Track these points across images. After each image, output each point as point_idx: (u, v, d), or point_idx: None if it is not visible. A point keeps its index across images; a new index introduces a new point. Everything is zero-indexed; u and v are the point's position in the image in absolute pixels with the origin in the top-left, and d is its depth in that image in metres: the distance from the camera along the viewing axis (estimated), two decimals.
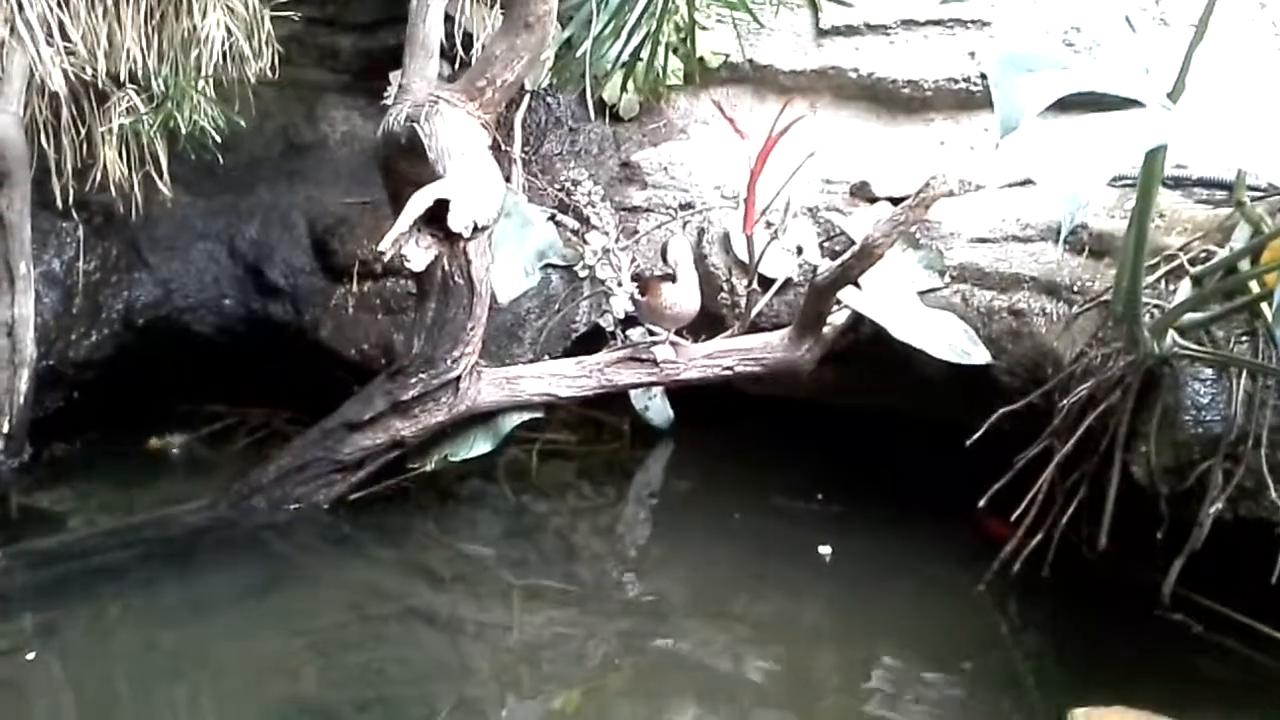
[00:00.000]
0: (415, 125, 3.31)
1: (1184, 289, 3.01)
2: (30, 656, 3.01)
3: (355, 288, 4.25)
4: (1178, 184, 3.52)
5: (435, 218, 2.93)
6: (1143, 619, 3.06)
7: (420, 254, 2.87)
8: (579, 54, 3.56)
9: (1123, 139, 2.04)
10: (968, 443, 3.24)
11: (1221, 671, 2.98)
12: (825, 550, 3.38)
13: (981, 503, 3.26)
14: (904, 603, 3.36)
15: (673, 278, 3.64)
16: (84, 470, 4.09)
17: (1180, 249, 3.13)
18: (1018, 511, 3.16)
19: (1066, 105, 2.11)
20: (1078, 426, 3.07)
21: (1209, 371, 2.91)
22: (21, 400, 3.58)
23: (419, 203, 2.95)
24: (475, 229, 2.96)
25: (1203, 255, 3.09)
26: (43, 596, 3.29)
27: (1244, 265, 2.92)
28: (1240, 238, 3.01)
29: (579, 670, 3.24)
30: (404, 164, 3.39)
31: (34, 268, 3.64)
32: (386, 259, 2.89)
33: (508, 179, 4.31)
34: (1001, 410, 3.29)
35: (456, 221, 2.91)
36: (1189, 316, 2.91)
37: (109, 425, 4.26)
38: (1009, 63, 2.03)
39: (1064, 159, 2.00)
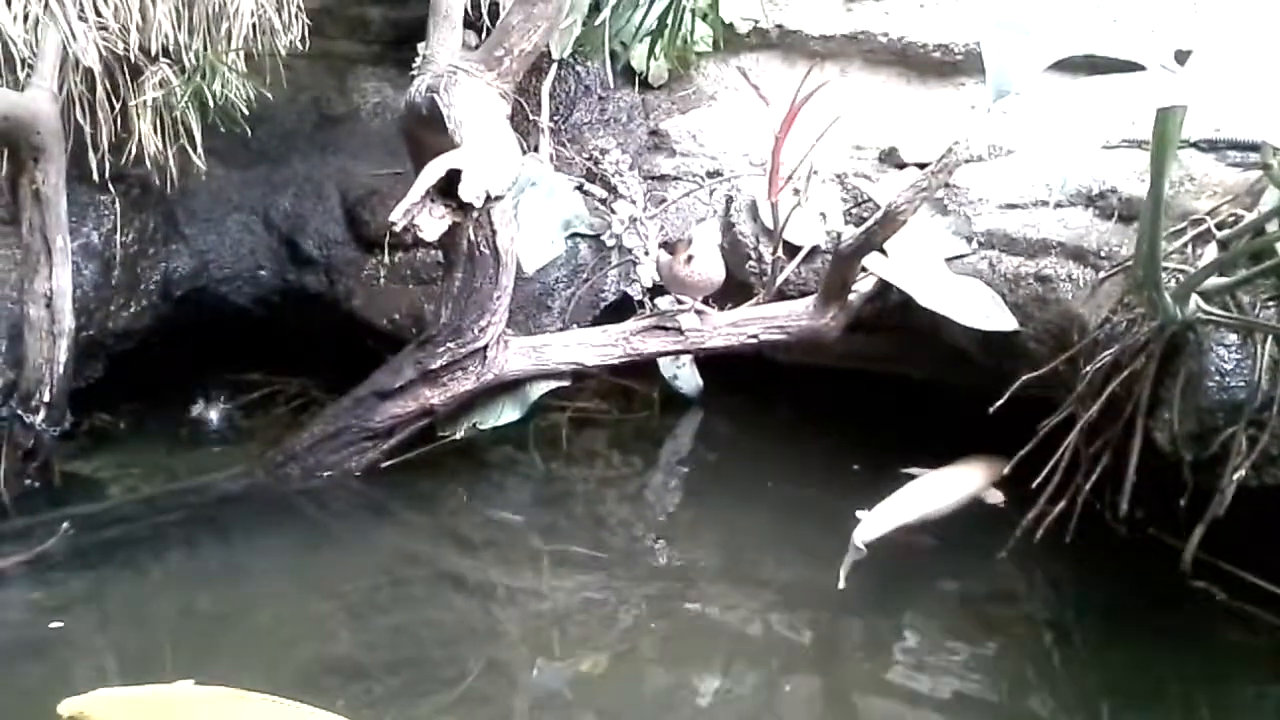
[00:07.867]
0: (435, 95, 3.34)
1: (1210, 253, 2.97)
2: (56, 625, 3.06)
3: (386, 258, 4.30)
4: (1212, 147, 3.45)
5: (449, 188, 2.95)
6: (1166, 587, 3.05)
7: (434, 224, 2.88)
8: (599, 22, 3.55)
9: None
10: (991, 409, 3.24)
11: (1250, 640, 2.96)
12: (862, 514, 3.30)
13: (1006, 469, 3.27)
14: (931, 567, 3.37)
15: (696, 246, 3.65)
16: (124, 439, 4.19)
17: (1208, 213, 3.08)
18: (1041, 477, 3.14)
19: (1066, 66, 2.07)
20: (1102, 392, 3.06)
21: (1233, 337, 2.88)
22: (61, 370, 3.65)
23: (431, 173, 2.97)
24: (488, 199, 2.97)
25: (1230, 219, 3.04)
26: (84, 561, 3.36)
27: (1271, 228, 2.88)
28: (1269, 201, 2.96)
29: (607, 634, 3.26)
30: (425, 134, 3.42)
31: (72, 240, 3.68)
32: (398, 229, 2.91)
33: (536, 148, 4.33)
34: (1027, 376, 3.27)
35: (468, 191, 2.92)
36: (1213, 281, 2.87)
37: (148, 395, 4.35)
38: (1002, 25, 2.00)
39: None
